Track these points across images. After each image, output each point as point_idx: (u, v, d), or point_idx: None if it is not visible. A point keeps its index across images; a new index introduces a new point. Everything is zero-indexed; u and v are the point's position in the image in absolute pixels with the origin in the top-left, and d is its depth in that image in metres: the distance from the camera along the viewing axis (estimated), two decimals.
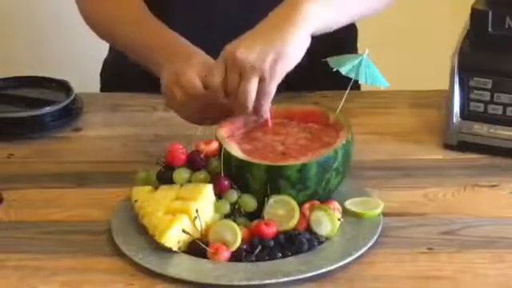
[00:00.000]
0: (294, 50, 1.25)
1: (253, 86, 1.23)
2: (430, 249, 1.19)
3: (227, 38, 1.27)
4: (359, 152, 1.30)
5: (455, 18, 1.60)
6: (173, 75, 1.31)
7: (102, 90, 1.80)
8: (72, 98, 1.57)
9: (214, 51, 1.30)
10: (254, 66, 1.22)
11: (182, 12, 1.59)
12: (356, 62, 1.25)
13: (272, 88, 1.24)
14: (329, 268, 1.13)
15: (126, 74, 1.62)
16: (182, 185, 1.22)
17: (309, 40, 1.27)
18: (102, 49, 1.73)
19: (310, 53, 1.38)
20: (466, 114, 1.43)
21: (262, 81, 1.23)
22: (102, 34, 1.55)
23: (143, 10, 1.50)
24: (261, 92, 1.24)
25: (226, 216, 1.19)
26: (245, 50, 1.23)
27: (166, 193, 1.21)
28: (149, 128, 1.53)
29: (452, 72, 1.43)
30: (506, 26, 1.39)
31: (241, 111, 1.25)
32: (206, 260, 1.14)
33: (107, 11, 1.52)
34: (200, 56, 1.35)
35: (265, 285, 1.11)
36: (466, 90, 1.42)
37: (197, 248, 1.15)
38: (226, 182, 1.20)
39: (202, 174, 1.22)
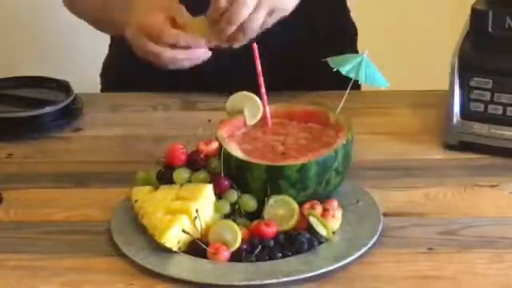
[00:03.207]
0: None
1: (261, 19, 1.29)
2: (429, 249, 1.19)
3: None
4: (359, 152, 1.30)
5: (455, 18, 1.60)
6: (139, 28, 1.35)
7: (102, 90, 1.81)
8: (72, 97, 1.57)
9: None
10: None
11: None
12: (356, 61, 1.25)
13: (258, 16, 1.29)
14: (329, 268, 1.13)
15: (125, 74, 1.62)
16: (181, 185, 1.22)
17: None
18: (102, 49, 1.73)
19: (311, 53, 1.38)
20: (466, 114, 1.43)
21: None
22: (69, 5, 1.57)
23: None
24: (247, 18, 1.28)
25: (226, 216, 1.19)
26: None
27: (166, 193, 1.21)
28: (149, 128, 1.53)
29: (452, 72, 1.43)
30: (506, 26, 1.39)
31: (223, 28, 1.29)
32: (205, 260, 1.14)
33: None
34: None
35: (265, 285, 1.11)
36: (465, 89, 1.42)
37: (197, 248, 1.15)
38: (226, 182, 1.20)
39: (201, 174, 1.22)
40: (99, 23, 1.55)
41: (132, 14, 1.38)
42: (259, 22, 1.29)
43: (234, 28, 1.29)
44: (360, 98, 1.59)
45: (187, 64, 1.35)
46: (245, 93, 1.28)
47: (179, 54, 1.34)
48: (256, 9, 1.29)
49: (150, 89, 1.58)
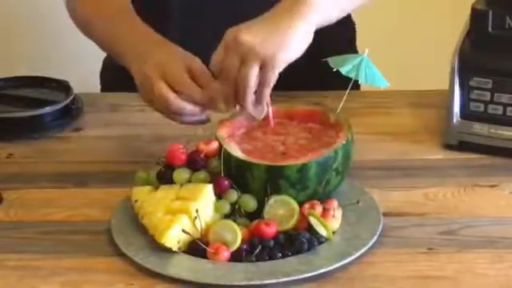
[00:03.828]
0: (298, 40, 1.23)
1: (254, 72, 1.20)
2: (430, 249, 1.19)
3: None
4: (359, 152, 1.30)
5: (455, 18, 1.60)
6: (158, 67, 1.29)
7: (102, 90, 1.81)
8: (72, 97, 1.57)
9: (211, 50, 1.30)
10: (256, 51, 1.20)
11: (181, 11, 1.60)
12: (356, 61, 1.25)
13: (272, 76, 1.22)
14: (329, 268, 1.13)
15: (126, 73, 1.62)
16: (182, 185, 1.22)
17: (312, 33, 1.26)
18: None
19: (310, 53, 1.37)
20: (466, 114, 1.43)
21: (262, 67, 1.21)
22: (83, 30, 1.55)
23: (122, 5, 1.50)
24: (261, 79, 1.21)
25: (226, 216, 1.19)
26: (248, 34, 1.21)
27: (166, 193, 1.21)
28: (149, 128, 1.52)
29: (452, 72, 1.43)
30: (506, 26, 1.39)
31: (240, 99, 1.23)
32: (205, 260, 1.14)
33: (87, 7, 1.53)
34: (175, 47, 1.35)
35: (265, 285, 1.11)
36: (466, 89, 1.42)
37: (197, 248, 1.15)
38: (226, 182, 1.20)
39: (201, 174, 1.22)
40: (107, 51, 1.54)
41: (150, 53, 1.32)
42: (248, 77, 1.20)
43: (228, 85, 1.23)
44: (360, 98, 1.59)
45: (189, 119, 1.30)
46: None
47: (188, 106, 1.28)
48: (244, 63, 1.21)
49: None
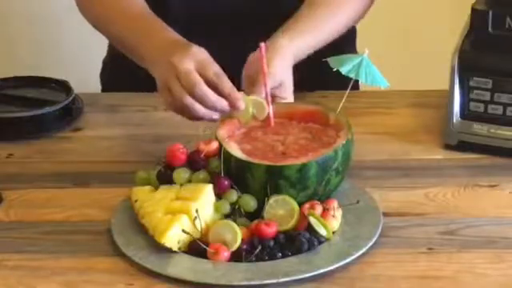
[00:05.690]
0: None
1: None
2: (430, 249, 1.19)
3: (226, 36, 1.27)
4: (359, 152, 1.30)
5: (455, 18, 1.60)
6: (171, 70, 1.29)
7: (102, 90, 1.80)
8: (72, 97, 1.57)
9: (213, 49, 1.30)
10: None
11: (181, 11, 1.59)
12: (356, 61, 1.25)
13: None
14: (329, 268, 1.13)
15: (126, 74, 1.62)
16: (181, 185, 1.22)
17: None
18: (102, 49, 1.73)
19: (311, 53, 1.38)
20: (466, 114, 1.43)
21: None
22: (96, 27, 1.55)
23: (138, 5, 1.49)
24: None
25: (226, 216, 1.19)
26: None
27: (166, 193, 1.21)
28: (149, 128, 1.53)
29: (452, 72, 1.43)
30: (506, 26, 1.39)
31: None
32: (206, 260, 1.14)
33: (101, 4, 1.52)
34: (194, 47, 1.34)
35: (265, 285, 1.11)
36: (466, 89, 1.42)
37: (197, 248, 1.15)
38: (226, 182, 1.20)
39: (201, 174, 1.22)
40: (124, 49, 1.53)
41: (180, 50, 1.32)
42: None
43: None
44: (360, 98, 1.59)
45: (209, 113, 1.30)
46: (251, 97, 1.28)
47: (211, 92, 1.28)
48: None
49: (150, 87, 1.58)
